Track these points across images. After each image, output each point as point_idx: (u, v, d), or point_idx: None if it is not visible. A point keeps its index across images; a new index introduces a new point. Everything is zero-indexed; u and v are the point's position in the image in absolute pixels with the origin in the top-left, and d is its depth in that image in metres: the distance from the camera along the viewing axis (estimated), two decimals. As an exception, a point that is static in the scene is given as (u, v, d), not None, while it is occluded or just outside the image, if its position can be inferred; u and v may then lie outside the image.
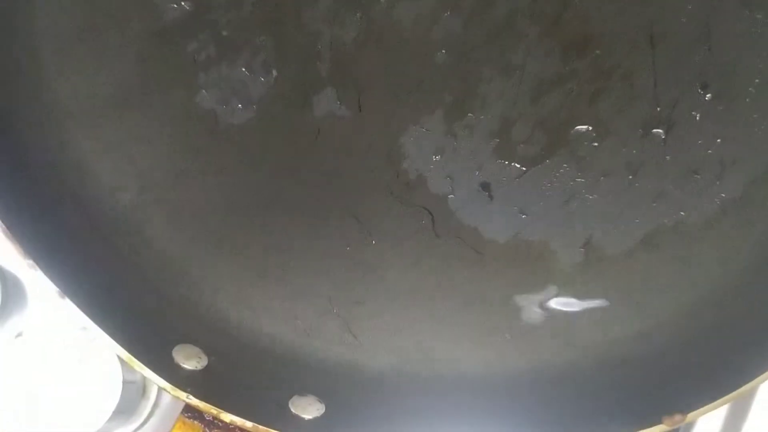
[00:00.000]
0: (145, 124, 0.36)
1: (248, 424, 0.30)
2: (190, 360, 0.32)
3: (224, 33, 0.36)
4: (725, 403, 0.29)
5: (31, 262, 0.29)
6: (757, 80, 0.33)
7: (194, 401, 0.30)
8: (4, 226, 0.30)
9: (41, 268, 0.29)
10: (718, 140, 0.35)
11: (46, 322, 0.42)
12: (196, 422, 0.30)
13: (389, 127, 0.37)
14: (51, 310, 0.42)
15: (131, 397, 0.40)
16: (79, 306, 0.29)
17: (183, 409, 0.31)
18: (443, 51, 0.37)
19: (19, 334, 0.42)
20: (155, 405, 0.42)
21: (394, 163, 0.37)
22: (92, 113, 0.36)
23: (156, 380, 0.29)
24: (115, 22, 0.35)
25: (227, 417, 0.29)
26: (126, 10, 0.35)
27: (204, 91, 0.36)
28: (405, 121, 0.37)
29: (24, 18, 0.35)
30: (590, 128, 0.36)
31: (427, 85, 0.37)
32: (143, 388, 0.42)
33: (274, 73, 0.37)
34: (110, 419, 0.38)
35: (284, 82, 0.37)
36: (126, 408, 0.40)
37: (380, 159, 0.37)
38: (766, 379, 0.29)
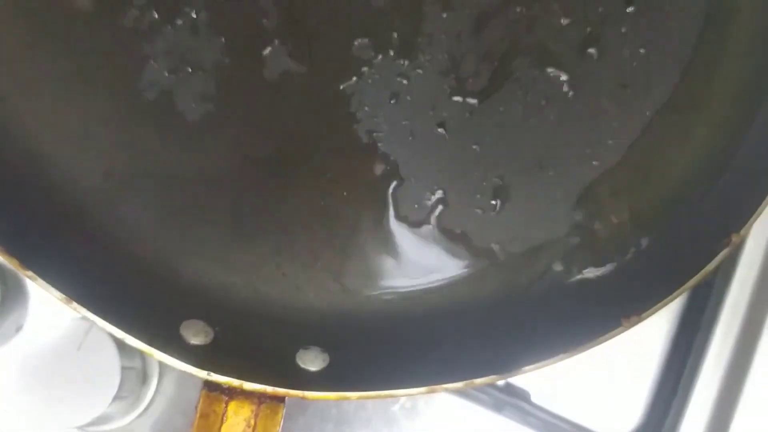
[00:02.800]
0: (98, 105, 0.35)
1: (267, 389, 0.31)
2: (198, 335, 0.32)
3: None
4: (674, 299, 0.33)
5: (30, 273, 0.29)
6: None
7: (215, 378, 0.31)
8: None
9: (42, 278, 0.29)
10: (642, 51, 0.38)
11: (44, 312, 0.41)
12: (218, 393, 0.31)
13: (343, 76, 0.37)
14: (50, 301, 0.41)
15: (131, 383, 0.40)
16: (90, 309, 0.29)
17: (203, 384, 0.31)
18: (383, -9, 0.37)
19: (19, 328, 0.42)
20: (157, 391, 0.43)
21: (353, 112, 0.37)
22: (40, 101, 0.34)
23: (179, 365, 0.30)
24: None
25: (248, 386, 0.31)
26: None
27: (153, 61, 0.35)
28: (357, 68, 0.37)
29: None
30: (531, 56, 0.38)
31: (373, 29, 0.37)
32: (143, 374, 0.42)
33: (222, 38, 0.36)
34: (111, 405, 0.38)
35: (232, 44, 0.36)
36: (126, 394, 0.40)
37: (338, 110, 0.37)
38: (709, 270, 0.34)
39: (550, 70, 0.38)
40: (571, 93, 0.39)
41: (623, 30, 0.38)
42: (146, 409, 0.43)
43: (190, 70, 0.36)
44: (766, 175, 0.34)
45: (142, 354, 0.38)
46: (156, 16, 0.35)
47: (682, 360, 0.45)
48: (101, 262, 0.34)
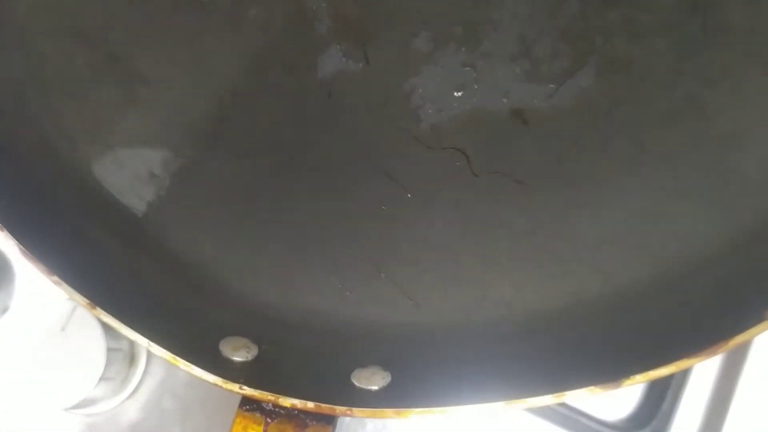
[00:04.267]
0: (150, 121, 0.34)
1: (309, 404, 0.26)
2: (239, 351, 0.29)
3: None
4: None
5: (56, 278, 0.27)
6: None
7: (248, 391, 0.26)
8: (23, 249, 0.27)
9: (67, 282, 0.27)
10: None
11: (29, 293, 0.42)
12: (256, 414, 0.26)
13: (402, 73, 0.34)
14: (35, 281, 0.42)
15: (118, 365, 0.40)
16: (116, 317, 0.26)
17: (240, 403, 0.27)
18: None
19: (5, 309, 0.42)
20: (146, 373, 0.42)
21: (415, 108, 0.34)
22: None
23: (205, 376, 0.26)
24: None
25: (286, 401, 0.26)
26: None
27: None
28: (417, 62, 0.34)
29: None
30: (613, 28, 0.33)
31: (434, 21, 0.34)
32: (131, 356, 0.41)
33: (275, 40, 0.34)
34: (97, 387, 0.37)
35: (286, 48, 0.34)
36: (113, 375, 0.39)
37: (399, 108, 0.34)
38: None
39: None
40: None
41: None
42: (135, 391, 0.42)
43: (242, 76, 0.34)
44: None
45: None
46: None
47: None
48: (149, 282, 0.31)
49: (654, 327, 0.29)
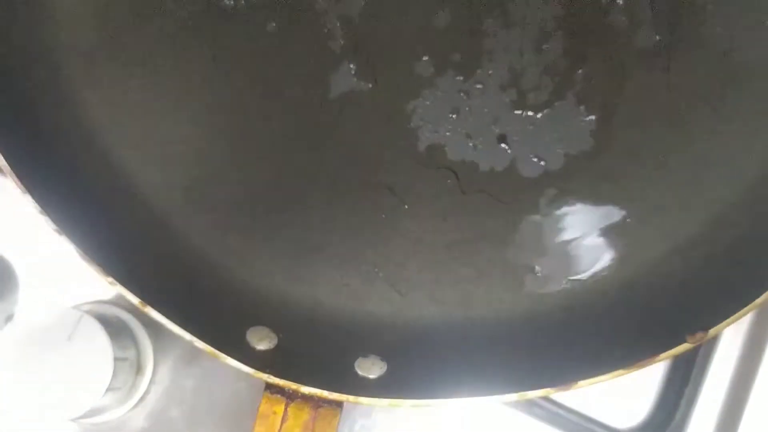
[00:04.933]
0: (180, 123, 0.38)
1: (324, 393, 0.32)
2: (263, 341, 0.34)
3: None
4: (744, 315, 0.32)
5: (111, 279, 0.32)
6: None
7: (274, 379, 0.32)
8: (80, 252, 0.32)
9: (121, 284, 0.31)
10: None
11: (34, 302, 0.41)
12: (279, 396, 0.32)
13: (405, 94, 0.38)
14: (40, 290, 0.42)
15: (125, 374, 0.40)
16: (165, 315, 0.31)
17: (265, 387, 0.33)
18: (444, 11, 0.38)
19: (9, 318, 0.42)
20: (152, 382, 0.42)
21: (414, 128, 0.38)
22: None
23: (239, 366, 0.32)
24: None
25: (306, 390, 0.32)
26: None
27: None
28: (419, 86, 0.39)
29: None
30: (591, 67, 0.38)
31: (435, 48, 0.38)
32: (137, 365, 0.41)
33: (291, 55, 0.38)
34: (104, 397, 0.37)
35: (301, 64, 0.38)
36: (120, 385, 0.40)
37: (401, 127, 0.38)
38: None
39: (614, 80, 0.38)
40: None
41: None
42: (141, 399, 0.42)
43: (261, 90, 0.38)
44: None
45: (135, 344, 0.41)
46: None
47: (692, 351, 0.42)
48: (176, 270, 0.36)
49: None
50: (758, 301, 0.32)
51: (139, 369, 0.42)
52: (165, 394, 0.43)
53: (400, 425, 0.44)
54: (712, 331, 0.32)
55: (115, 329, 0.41)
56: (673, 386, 0.44)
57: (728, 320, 0.33)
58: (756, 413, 0.40)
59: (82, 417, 0.38)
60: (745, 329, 0.43)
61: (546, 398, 0.44)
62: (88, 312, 0.38)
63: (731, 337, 0.43)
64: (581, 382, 0.32)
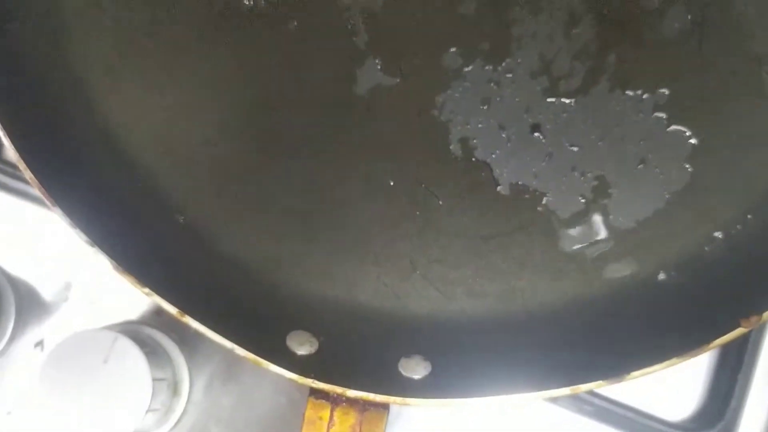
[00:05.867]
0: (207, 126, 0.37)
1: (371, 395, 0.32)
2: (303, 345, 0.34)
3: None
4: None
5: (147, 290, 0.31)
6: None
7: (320, 385, 0.32)
8: (114, 264, 0.31)
9: (158, 294, 0.31)
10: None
11: (65, 325, 0.41)
12: (323, 401, 0.32)
13: (433, 87, 0.38)
14: (71, 314, 0.42)
15: (163, 395, 0.40)
16: (203, 323, 0.31)
17: (310, 392, 0.33)
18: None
19: (39, 343, 0.41)
20: (189, 401, 0.42)
21: (445, 122, 0.38)
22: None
23: (283, 373, 0.31)
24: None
25: (352, 393, 0.32)
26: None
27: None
28: (447, 77, 0.38)
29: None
30: (623, 51, 0.37)
31: (462, 38, 0.38)
32: (174, 385, 0.41)
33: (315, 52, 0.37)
34: (144, 419, 0.37)
35: (326, 61, 0.37)
36: (159, 405, 0.40)
37: (431, 121, 0.38)
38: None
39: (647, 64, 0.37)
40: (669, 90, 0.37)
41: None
42: (179, 420, 0.42)
43: (287, 90, 0.37)
44: None
45: (172, 364, 0.40)
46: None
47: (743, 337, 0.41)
48: (210, 277, 0.36)
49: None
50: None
51: (175, 389, 0.42)
52: (203, 412, 0.43)
53: (439, 424, 0.43)
54: (766, 315, 0.32)
55: (150, 349, 0.40)
56: (725, 375, 0.44)
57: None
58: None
59: (121, 440, 0.37)
60: None
61: (593, 393, 0.44)
62: (124, 333, 0.38)
63: None
64: (634, 373, 0.31)
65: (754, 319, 0.31)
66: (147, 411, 0.37)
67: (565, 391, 0.32)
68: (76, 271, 0.44)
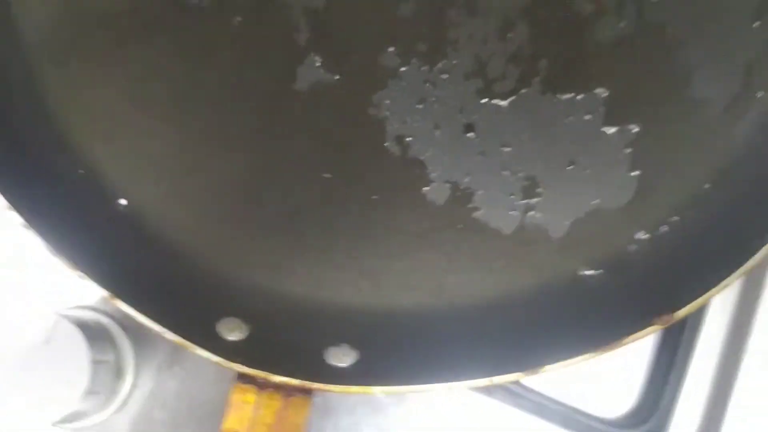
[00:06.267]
0: (152, 118, 0.38)
1: (294, 381, 0.33)
2: (233, 332, 0.35)
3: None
4: (708, 300, 0.33)
5: (80, 273, 0.32)
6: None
7: (245, 369, 0.33)
8: (47, 245, 0.32)
9: (90, 277, 0.32)
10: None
11: (7, 306, 0.41)
12: (250, 385, 0.33)
13: (371, 86, 0.39)
14: (18, 297, 0.42)
15: (103, 378, 0.40)
16: (134, 307, 0.32)
17: (237, 377, 0.33)
18: (408, 1, 0.39)
19: None
20: (134, 386, 0.43)
21: (382, 119, 0.39)
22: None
23: (210, 357, 0.32)
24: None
25: (276, 378, 0.33)
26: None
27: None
28: (385, 76, 0.39)
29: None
30: (555, 55, 0.38)
31: (400, 39, 0.39)
32: (117, 368, 0.42)
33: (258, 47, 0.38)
34: (84, 401, 0.37)
35: (268, 56, 0.38)
36: (99, 389, 0.40)
37: (368, 118, 0.39)
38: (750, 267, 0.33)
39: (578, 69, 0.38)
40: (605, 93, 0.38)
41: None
42: (124, 404, 0.43)
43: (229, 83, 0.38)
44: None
45: (115, 348, 0.41)
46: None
47: (676, 339, 0.44)
48: (146, 263, 0.37)
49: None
50: (725, 282, 0.33)
51: (119, 373, 0.43)
52: (148, 397, 0.43)
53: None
54: (680, 313, 0.33)
55: (94, 332, 0.41)
56: (659, 375, 0.45)
57: (694, 303, 0.33)
58: (742, 398, 0.42)
59: (62, 421, 0.38)
60: (729, 314, 0.44)
61: (530, 389, 0.45)
62: (65, 316, 0.38)
63: (715, 323, 0.44)
64: (547, 367, 0.33)
65: (666, 317, 0.33)
66: (87, 393, 0.38)
67: (483, 381, 0.33)
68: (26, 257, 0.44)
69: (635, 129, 0.39)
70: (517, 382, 0.44)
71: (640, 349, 0.46)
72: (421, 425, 0.45)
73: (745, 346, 0.42)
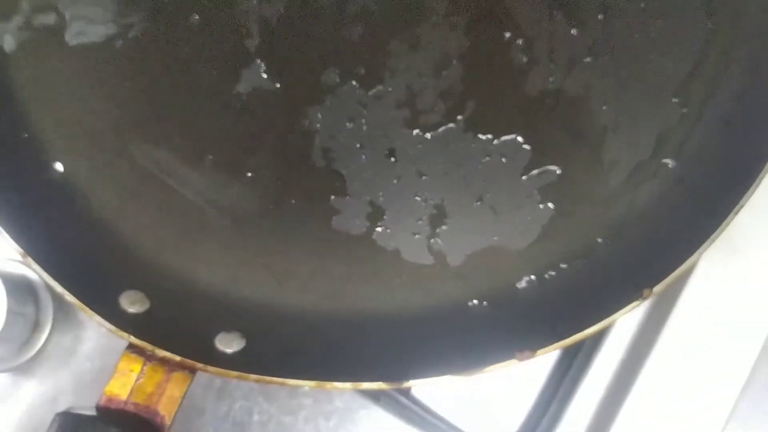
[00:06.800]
0: (99, 99, 0.41)
1: (176, 357, 0.35)
2: (134, 305, 0.37)
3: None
4: (565, 345, 0.36)
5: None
6: None
7: (134, 340, 0.35)
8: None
9: (6, 231, 0.34)
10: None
11: None
12: (137, 356, 0.35)
13: (308, 98, 0.41)
14: None
15: (19, 328, 0.44)
16: (42, 266, 0.35)
17: (127, 346, 0.36)
18: (358, 26, 0.41)
19: None
20: (49, 341, 0.46)
21: (312, 131, 0.41)
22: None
23: (103, 324, 0.35)
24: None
25: (161, 353, 0.35)
26: None
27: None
28: (322, 92, 0.42)
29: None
30: (483, 98, 0.41)
31: (342, 59, 0.42)
32: (35, 322, 0.45)
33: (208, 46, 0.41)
34: None
35: (217, 58, 0.41)
36: (13, 338, 0.43)
37: (299, 127, 0.41)
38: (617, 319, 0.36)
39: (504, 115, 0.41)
40: (523, 142, 0.41)
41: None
42: (38, 352, 0.46)
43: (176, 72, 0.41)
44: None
45: (35, 302, 0.44)
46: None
47: (565, 369, 0.47)
48: (64, 229, 0.39)
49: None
50: (581, 334, 0.35)
51: (37, 326, 0.46)
52: (62, 353, 0.46)
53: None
54: (538, 352, 0.36)
55: (16, 285, 0.44)
56: (544, 400, 0.48)
57: (554, 345, 0.36)
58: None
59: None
60: (625, 344, 0.46)
61: (418, 402, 0.47)
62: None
63: (610, 352, 0.46)
64: (411, 381, 0.35)
65: (526, 353, 0.35)
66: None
67: (347, 385, 0.35)
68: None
69: (546, 179, 0.41)
70: (407, 393, 0.47)
71: (533, 376, 0.48)
72: (310, 415, 0.47)
73: (634, 378, 0.44)
